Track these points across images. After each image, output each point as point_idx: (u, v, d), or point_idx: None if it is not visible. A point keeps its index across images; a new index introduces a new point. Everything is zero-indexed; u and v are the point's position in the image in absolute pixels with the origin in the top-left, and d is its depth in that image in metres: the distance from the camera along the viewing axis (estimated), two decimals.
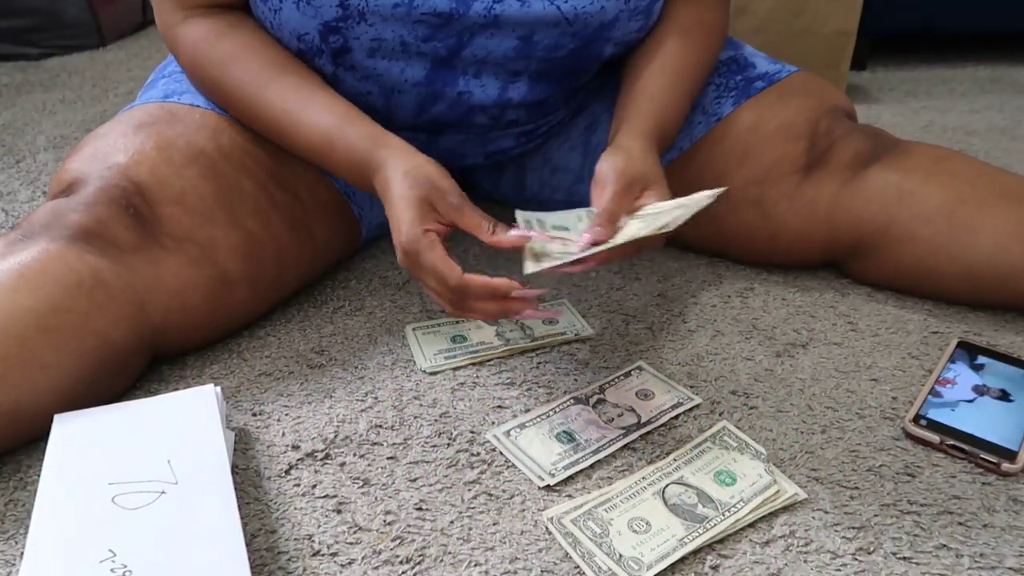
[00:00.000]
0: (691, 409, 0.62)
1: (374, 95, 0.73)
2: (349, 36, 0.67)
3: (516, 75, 0.73)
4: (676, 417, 0.61)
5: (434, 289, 0.59)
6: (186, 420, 0.56)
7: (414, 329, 0.72)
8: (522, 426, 0.60)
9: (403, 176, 0.60)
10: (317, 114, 0.66)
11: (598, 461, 0.57)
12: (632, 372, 0.66)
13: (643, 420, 0.60)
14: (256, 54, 0.67)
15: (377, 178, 0.63)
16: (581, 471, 0.56)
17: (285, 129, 0.67)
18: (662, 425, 0.60)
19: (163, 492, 0.50)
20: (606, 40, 0.72)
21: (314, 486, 0.55)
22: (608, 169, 0.61)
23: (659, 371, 0.66)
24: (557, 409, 0.61)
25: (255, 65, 0.67)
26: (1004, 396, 0.62)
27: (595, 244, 0.57)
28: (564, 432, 0.59)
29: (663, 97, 0.71)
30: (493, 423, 0.61)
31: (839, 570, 0.48)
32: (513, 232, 0.59)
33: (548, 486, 0.55)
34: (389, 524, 0.52)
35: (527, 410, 0.62)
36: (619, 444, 0.58)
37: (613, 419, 0.60)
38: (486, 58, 0.69)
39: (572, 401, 0.62)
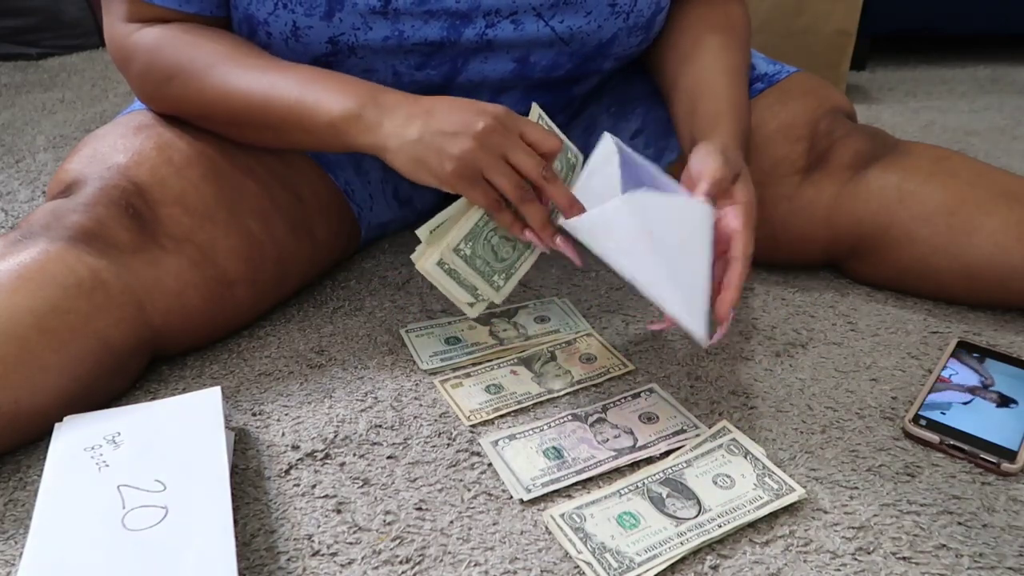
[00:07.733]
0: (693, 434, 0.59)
1: None
2: (340, 69, 0.66)
3: (510, 89, 0.72)
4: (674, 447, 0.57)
5: (519, 164, 0.55)
6: (189, 425, 0.56)
7: (408, 331, 0.72)
8: (512, 437, 0.58)
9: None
10: (294, 77, 0.61)
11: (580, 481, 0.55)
12: (642, 394, 0.63)
13: (638, 444, 0.58)
14: (218, 41, 0.64)
15: (388, 96, 0.58)
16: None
17: (256, 99, 0.61)
18: (658, 453, 0.57)
19: (162, 493, 0.50)
20: (605, 57, 0.71)
21: (314, 486, 0.55)
22: (703, 159, 0.60)
23: (666, 386, 0.65)
24: (552, 424, 0.60)
25: (221, 48, 0.63)
26: (1004, 396, 0.62)
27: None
28: (553, 448, 0.57)
29: (735, 98, 0.68)
30: (492, 425, 0.61)
31: (839, 570, 0.48)
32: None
33: (522, 500, 0.53)
34: (389, 524, 0.52)
35: (526, 418, 0.62)
36: (607, 467, 0.56)
37: (608, 440, 0.58)
38: (482, 82, 0.69)
39: (570, 417, 0.60)
